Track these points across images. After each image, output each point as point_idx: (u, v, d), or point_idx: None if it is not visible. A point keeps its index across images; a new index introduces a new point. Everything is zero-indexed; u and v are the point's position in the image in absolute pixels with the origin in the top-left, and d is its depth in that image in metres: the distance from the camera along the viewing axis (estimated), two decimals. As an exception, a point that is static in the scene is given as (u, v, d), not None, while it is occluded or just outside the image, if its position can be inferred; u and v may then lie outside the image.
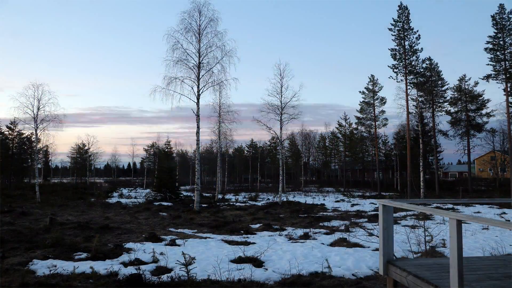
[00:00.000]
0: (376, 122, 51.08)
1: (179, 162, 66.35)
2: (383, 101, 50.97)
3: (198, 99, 23.43)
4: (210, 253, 9.77)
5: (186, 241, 11.52)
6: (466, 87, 45.99)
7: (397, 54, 38.41)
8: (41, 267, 8.14)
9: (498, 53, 35.41)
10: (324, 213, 20.96)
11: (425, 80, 40.97)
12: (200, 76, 23.61)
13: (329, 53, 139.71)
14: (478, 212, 21.77)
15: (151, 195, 32.79)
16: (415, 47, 38.04)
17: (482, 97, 45.34)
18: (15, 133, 50.56)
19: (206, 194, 37.47)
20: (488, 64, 35.86)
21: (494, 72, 35.58)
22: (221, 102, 35.06)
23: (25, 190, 38.03)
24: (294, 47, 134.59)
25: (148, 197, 32.52)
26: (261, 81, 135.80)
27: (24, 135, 51.52)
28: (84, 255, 9.41)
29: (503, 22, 35.76)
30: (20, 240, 11.10)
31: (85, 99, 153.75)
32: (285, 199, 30.69)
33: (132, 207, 24.05)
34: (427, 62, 43.01)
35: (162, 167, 33.76)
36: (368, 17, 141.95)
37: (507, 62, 34.63)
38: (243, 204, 27.21)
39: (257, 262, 8.67)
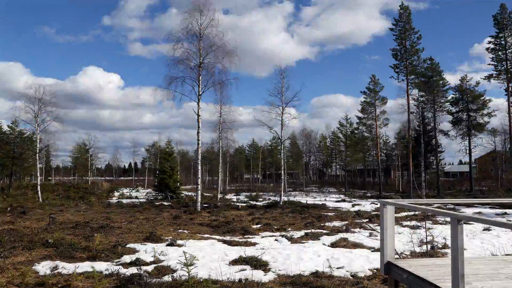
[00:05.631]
0: (377, 122, 50.99)
1: (180, 162, 66.33)
2: (384, 101, 50.81)
3: (199, 99, 23.45)
4: (211, 253, 9.77)
5: (187, 241, 11.52)
6: (468, 87, 45.85)
7: (398, 54, 38.36)
8: (42, 266, 8.14)
9: (499, 53, 35.36)
10: (325, 213, 20.94)
11: (426, 80, 40.87)
12: (201, 76, 23.64)
13: (330, 52, 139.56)
14: (480, 213, 21.72)
15: (152, 195, 32.84)
16: (416, 47, 37.97)
17: (483, 97, 45.18)
18: (16, 133, 50.56)
19: (207, 194, 37.46)
20: (489, 64, 35.84)
21: (495, 72, 35.54)
22: (222, 102, 35.07)
23: (26, 189, 38.06)
24: (295, 46, 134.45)
25: (149, 197, 32.56)
26: (262, 81, 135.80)
27: (25, 135, 51.51)
28: (85, 255, 9.41)
29: (505, 22, 35.69)
30: (21, 239, 11.10)
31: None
32: (286, 199, 30.67)
33: (133, 207, 24.07)
34: (428, 62, 42.88)
35: (163, 167, 33.76)
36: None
37: (508, 62, 34.58)
38: (244, 204, 27.20)
39: (257, 262, 8.66)
